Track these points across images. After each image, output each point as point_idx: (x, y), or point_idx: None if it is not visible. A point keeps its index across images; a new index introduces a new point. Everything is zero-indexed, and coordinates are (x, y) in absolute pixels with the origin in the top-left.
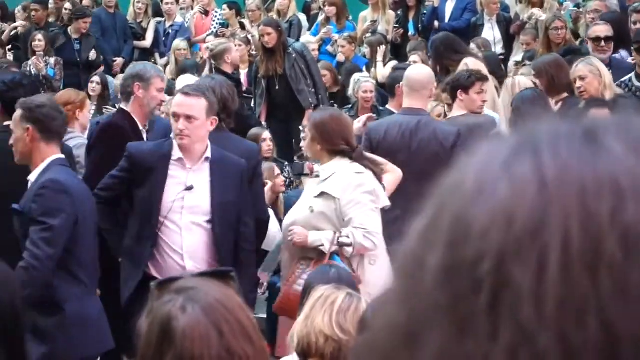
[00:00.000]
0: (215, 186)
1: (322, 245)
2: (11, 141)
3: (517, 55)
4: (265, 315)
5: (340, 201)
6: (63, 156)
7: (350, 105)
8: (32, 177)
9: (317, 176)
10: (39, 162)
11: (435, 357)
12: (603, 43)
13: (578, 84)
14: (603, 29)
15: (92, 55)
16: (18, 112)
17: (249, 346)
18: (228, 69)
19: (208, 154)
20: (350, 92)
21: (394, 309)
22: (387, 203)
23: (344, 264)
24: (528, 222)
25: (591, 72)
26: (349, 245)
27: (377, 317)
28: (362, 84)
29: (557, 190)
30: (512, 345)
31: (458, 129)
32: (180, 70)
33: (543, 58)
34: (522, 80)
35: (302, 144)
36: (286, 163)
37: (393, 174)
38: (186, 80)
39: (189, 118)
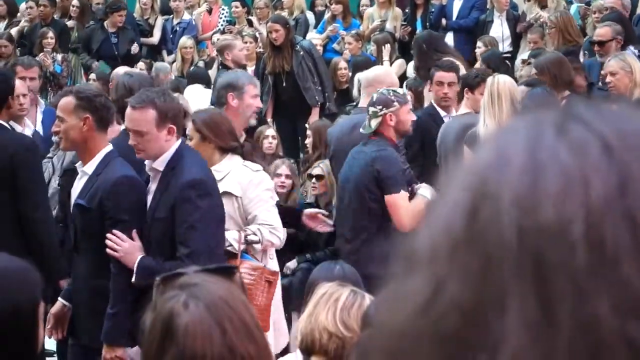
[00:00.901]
0: (153, 201)
1: (231, 245)
2: (56, 128)
3: (524, 53)
4: None
5: (242, 199)
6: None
7: (354, 103)
8: (88, 170)
9: None
10: (94, 152)
11: (527, 322)
12: (597, 47)
13: (608, 79)
14: (598, 33)
15: (135, 48)
16: (70, 100)
17: (251, 345)
18: (231, 65)
19: (157, 164)
20: (355, 91)
21: (437, 289)
22: (277, 198)
23: (255, 260)
24: (609, 184)
25: (622, 69)
26: (257, 242)
27: (397, 307)
28: None
29: (623, 151)
30: (618, 301)
31: None
32: (190, 77)
33: (545, 56)
34: (502, 78)
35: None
36: (292, 161)
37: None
38: (194, 91)
39: (137, 133)
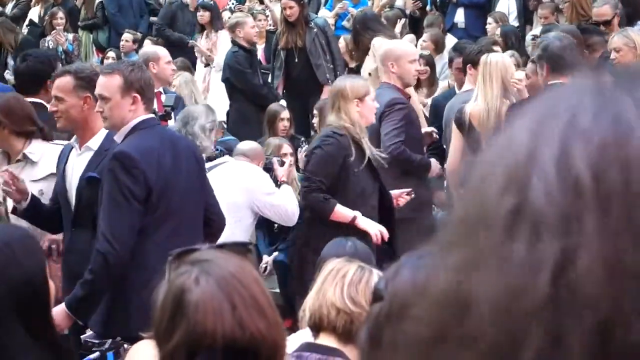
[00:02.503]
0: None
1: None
2: (53, 108)
3: (536, 29)
4: (278, 290)
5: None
6: None
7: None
8: (93, 145)
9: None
10: (95, 130)
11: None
12: (603, 27)
13: (613, 55)
14: (599, 13)
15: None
16: (69, 80)
17: (262, 322)
18: (243, 43)
19: (117, 137)
20: None
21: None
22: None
23: None
24: None
25: (626, 45)
26: None
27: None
28: None
29: None
30: None
31: (390, 99)
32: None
33: (562, 29)
34: (494, 57)
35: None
36: (302, 139)
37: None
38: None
39: (104, 98)
